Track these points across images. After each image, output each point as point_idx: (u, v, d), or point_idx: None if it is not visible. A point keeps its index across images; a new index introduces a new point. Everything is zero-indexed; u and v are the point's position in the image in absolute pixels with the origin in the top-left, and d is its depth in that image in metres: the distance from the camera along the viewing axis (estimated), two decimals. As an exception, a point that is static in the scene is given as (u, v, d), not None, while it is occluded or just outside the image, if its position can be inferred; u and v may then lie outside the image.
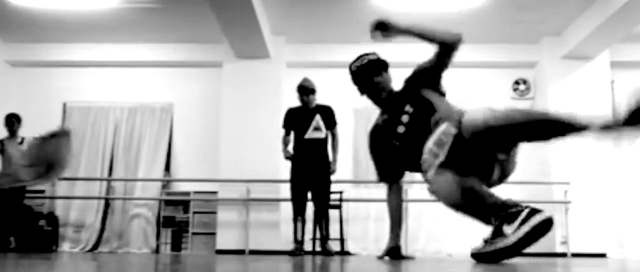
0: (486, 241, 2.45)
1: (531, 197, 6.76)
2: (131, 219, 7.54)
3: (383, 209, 7.50)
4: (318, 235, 5.78)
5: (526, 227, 2.29)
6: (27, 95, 8.09)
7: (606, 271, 2.28)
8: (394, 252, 3.56)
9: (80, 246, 7.37)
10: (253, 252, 6.99)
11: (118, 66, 8.16)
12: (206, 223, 7.37)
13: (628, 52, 7.70)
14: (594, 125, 2.39)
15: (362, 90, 3.21)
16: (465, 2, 6.67)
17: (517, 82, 7.84)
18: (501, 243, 2.35)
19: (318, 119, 5.69)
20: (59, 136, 5.54)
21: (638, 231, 7.43)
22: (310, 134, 5.65)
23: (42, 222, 7.14)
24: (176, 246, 7.40)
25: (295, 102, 5.84)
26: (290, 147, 5.77)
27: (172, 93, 8.10)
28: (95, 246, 7.46)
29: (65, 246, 7.39)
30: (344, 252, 6.57)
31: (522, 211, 2.34)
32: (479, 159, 2.58)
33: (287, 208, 6.25)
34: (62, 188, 7.67)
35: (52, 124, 7.89)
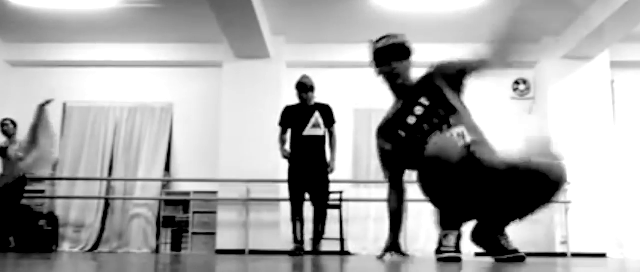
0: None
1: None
2: (131, 219, 7.54)
3: (383, 209, 7.51)
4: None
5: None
6: (27, 95, 8.08)
7: (606, 271, 2.28)
8: (394, 248, 3.56)
9: (80, 246, 7.37)
10: (253, 252, 7.00)
11: (118, 66, 8.17)
12: (206, 223, 7.37)
13: (628, 52, 7.70)
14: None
15: (379, 72, 3.05)
16: (465, 2, 6.67)
17: (517, 82, 7.84)
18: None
19: (317, 116, 5.63)
20: (37, 116, 6.28)
21: (638, 231, 7.44)
22: (308, 131, 5.58)
23: (42, 222, 7.15)
24: (176, 246, 7.40)
25: (295, 101, 5.77)
26: (288, 146, 5.69)
27: (172, 93, 8.11)
28: (95, 246, 7.46)
29: (65, 246, 7.39)
30: (344, 252, 6.57)
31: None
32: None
33: (287, 208, 6.24)
34: (62, 188, 7.67)
35: (52, 124, 7.92)
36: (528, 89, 7.83)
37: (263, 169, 7.20)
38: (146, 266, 2.29)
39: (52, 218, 7.28)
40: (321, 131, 5.63)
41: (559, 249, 7.15)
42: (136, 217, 7.54)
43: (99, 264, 2.49)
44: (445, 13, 6.84)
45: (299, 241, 5.51)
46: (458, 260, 2.54)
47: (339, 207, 6.46)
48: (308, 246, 5.70)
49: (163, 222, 7.47)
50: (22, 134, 6.66)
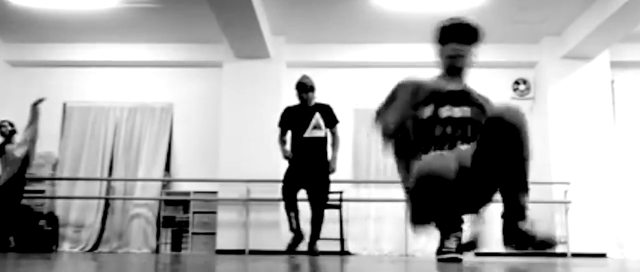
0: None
1: (531, 197, 6.75)
2: (131, 219, 7.54)
3: (383, 209, 7.55)
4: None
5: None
6: (27, 95, 8.05)
7: (606, 271, 2.28)
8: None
9: (80, 246, 7.38)
10: (253, 252, 7.00)
11: (118, 66, 8.17)
12: (206, 223, 7.37)
13: (628, 52, 7.70)
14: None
15: (440, 52, 2.78)
16: (465, 2, 6.67)
17: (517, 82, 7.84)
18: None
19: (318, 117, 5.55)
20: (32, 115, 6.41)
21: (638, 231, 7.44)
22: (309, 133, 5.50)
23: (42, 222, 7.14)
24: (176, 246, 7.40)
25: (295, 101, 5.73)
26: (288, 147, 5.62)
27: (172, 93, 8.11)
28: (95, 246, 7.47)
29: (65, 246, 7.39)
30: (344, 252, 6.57)
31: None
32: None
33: (286, 208, 6.23)
34: (62, 188, 7.67)
35: (52, 124, 7.93)
36: (528, 89, 7.83)
37: (263, 169, 7.20)
38: (146, 266, 2.29)
39: (52, 218, 7.28)
40: (322, 133, 5.55)
41: (559, 249, 7.15)
42: (136, 217, 7.54)
43: (99, 264, 2.49)
44: (445, 13, 6.82)
45: (295, 229, 5.37)
46: (458, 261, 2.53)
47: (339, 207, 6.46)
48: (303, 246, 5.65)
49: (163, 222, 7.47)
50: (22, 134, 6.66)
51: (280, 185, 7.00)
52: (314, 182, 5.50)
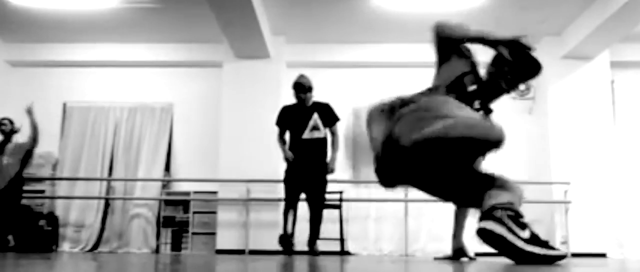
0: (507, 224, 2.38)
1: (531, 197, 6.76)
2: (131, 219, 7.54)
3: (383, 209, 7.54)
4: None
5: (541, 251, 2.36)
6: (27, 96, 8.08)
7: (606, 271, 2.28)
8: (458, 254, 3.64)
9: (80, 246, 7.38)
10: (253, 252, 7.00)
11: (118, 66, 8.17)
12: (206, 223, 7.37)
13: (628, 52, 7.70)
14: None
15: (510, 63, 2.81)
16: (465, 2, 6.67)
17: (517, 82, 7.84)
18: (529, 247, 2.36)
19: (316, 118, 5.48)
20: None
21: (638, 231, 7.44)
22: (308, 134, 5.43)
23: (42, 222, 7.14)
24: (176, 246, 7.40)
25: (293, 100, 5.68)
26: (287, 146, 5.57)
27: (172, 93, 8.11)
28: (95, 246, 7.47)
29: (65, 246, 7.39)
30: (344, 252, 6.57)
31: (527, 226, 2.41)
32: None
33: (286, 208, 6.23)
34: (62, 188, 7.67)
35: (52, 124, 7.93)
36: (528, 89, 7.83)
37: (263, 169, 7.20)
38: (146, 266, 2.29)
39: (52, 218, 7.28)
40: (321, 133, 5.47)
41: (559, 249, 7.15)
42: (136, 217, 7.54)
43: (99, 264, 2.49)
44: (445, 13, 6.83)
45: (287, 233, 5.34)
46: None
47: (339, 207, 6.46)
48: (303, 246, 5.64)
49: (163, 222, 7.47)
50: (21, 133, 6.67)
51: (280, 185, 7.03)
52: (312, 184, 5.45)
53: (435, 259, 4.26)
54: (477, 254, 5.47)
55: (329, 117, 5.56)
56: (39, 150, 7.05)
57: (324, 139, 5.52)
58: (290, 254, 5.35)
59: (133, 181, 7.69)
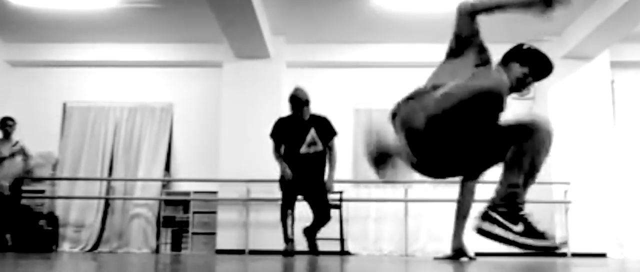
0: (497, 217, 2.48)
1: (531, 197, 6.76)
2: (131, 219, 7.54)
3: (383, 209, 7.54)
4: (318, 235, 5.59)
5: (534, 242, 2.45)
6: (27, 95, 8.10)
7: (606, 271, 2.28)
8: (459, 254, 3.63)
9: (80, 246, 7.38)
10: (253, 252, 7.00)
11: (118, 66, 8.17)
12: (206, 223, 7.37)
13: (628, 52, 7.70)
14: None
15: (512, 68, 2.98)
16: (465, 2, 6.66)
17: (517, 82, 7.84)
18: (512, 236, 2.46)
19: (313, 133, 5.24)
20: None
21: (638, 231, 7.44)
22: (305, 149, 5.22)
23: (42, 222, 7.14)
24: (176, 246, 7.40)
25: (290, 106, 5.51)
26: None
27: (172, 93, 8.11)
28: (95, 246, 7.46)
29: (65, 246, 7.39)
30: (344, 252, 6.57)
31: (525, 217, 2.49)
32: None
33: (287, 208, 6.22)
34: (62, 188, 7.67)
35: (52, 124, 7.94)
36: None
37: (263, 169, 7.19)
38: (146, 266, 2.29)
39: (52, 218, 7.28)
40: (319, 147, 5.26)
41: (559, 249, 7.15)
42: (136, 217, 7.54)
43: (99, 264, 2.49)
44: (445, 13, 6.83)
45: (290, 240, 5.22)
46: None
47: (339, 207, 6.46)
48: (301, 246, 5.61)
49: (163, 222, 7.47)
50: (22, 131, 6.68)
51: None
52: (314, 196, 5.30)
53: (435, 259, 4.26)
54: (477, 254, 5.48)
55: (327, 132, 5.31)
56: (39, 150, 7.08)
57: (323, 152, 5.31)
58: (293, 255, 5.34)
59: (133, 181, 7.69)
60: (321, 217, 5.30)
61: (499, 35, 7.52)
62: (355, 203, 7.40)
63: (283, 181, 5.31)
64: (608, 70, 7.58)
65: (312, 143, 5.24)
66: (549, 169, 7.37)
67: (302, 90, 5.24)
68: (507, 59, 2.99)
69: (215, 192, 7.35)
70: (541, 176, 2.76)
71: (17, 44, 8.06)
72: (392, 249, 7.36)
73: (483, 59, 2.84)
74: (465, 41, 2.85)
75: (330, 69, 7.95)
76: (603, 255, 7.09)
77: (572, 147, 7.35)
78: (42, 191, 7.49)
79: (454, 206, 3.71)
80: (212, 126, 7.79)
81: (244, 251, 7.05)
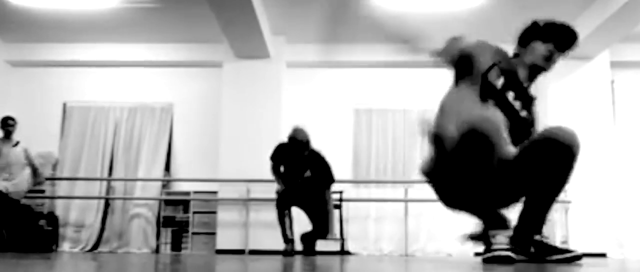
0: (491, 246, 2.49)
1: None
2: (131, 219, 7.54)
3: (383, 209, 7.54)
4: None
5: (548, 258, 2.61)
6: (27, 95, 8.10)
7: (606, 271, 2.28)
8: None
9: (80, 246, 7.38)
10: (253, 252, 7.00)
11: (118, 66, 8.17)
12: (206, 223, 7.37)
13: (628, 52, 7.70)
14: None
15: (545, 53, 2.73)
16: (465, 2, 6.67)
17: (517, 82, 7.84)
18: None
19: (309, 174, 5.29)
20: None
21: (638, 231, 7.44)
22: (305, 175, 5.30)
23: (42, 222, 7.15)
24: (176, 246, 7.40)
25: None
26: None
27: (172, 93, 8.11)
28: (95, 246, 7.47)
29: (65, 246, 7.39)
30: (344, 252, 6.57)
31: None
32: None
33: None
34: (62, 188, 7.67)
35: (52, 124, 7.94)
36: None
37: (263, 169, 7.16)
38: (146, 266, 2.29)
39: (52, 218, 7.29)
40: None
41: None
42: (136, 217, 7.55)
43: (99, 264, 2.49)
44: (445, 13, 6.84)
45: (289, 240, 5.30)
46: (511, 260, 2.43)
47: (339, 207, 6.46)
48: (301, 246, 5.62)
49: (163, 222, 7.47)
50: (22, 132, 6.67)
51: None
52: (314, 210, 5.37)
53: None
54: (476, 254, 5.47)
55: (324, 177, 5.28)
56: (39, 150, 7.07)
57: (320, 176, 5.32)
58: (293, 255, 5.34)
59: (133, 181, 7.69)
60: (320, 229, 5.38)
61: (499, 35, 7.54)
62: (355, 203, 7.40)
63: (280, 196, 5.35)
64: (608, 70, 7.58)
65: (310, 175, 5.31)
66: (549, 169, 7.37)
67: (302, 130, 5.20)
68: (526, 40, 2.78)
69: (215, 192, 7.35)
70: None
71: (17, 44, 8.06)
72: (392, 249, 7.36)
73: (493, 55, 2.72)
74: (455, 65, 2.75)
75: (330, 69, 7.95)
76: (603, 255, 7.08)
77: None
78: (42, 191, 7.49)
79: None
80: (212, 126, 7.79)
81: (244, 251, 7.05)
